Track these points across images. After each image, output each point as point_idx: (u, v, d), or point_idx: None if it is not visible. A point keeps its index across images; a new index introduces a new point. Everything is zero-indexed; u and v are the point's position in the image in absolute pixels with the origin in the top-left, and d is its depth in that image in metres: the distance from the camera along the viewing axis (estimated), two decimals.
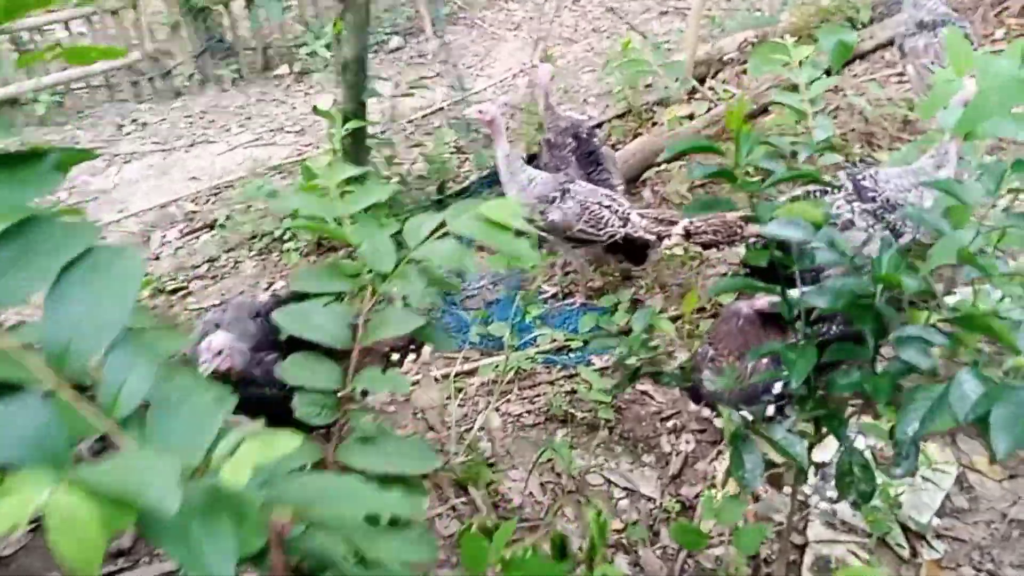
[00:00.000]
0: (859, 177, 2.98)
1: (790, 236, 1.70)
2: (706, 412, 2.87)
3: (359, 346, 1.81)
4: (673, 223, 3.30)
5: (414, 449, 1.78)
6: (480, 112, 3.52)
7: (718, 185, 4.10)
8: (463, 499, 2.74)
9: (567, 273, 3.81)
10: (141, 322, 1.69)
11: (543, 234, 3.51)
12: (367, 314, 1.83)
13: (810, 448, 1.96)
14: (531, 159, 4.69)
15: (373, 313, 1.84)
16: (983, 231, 1.88)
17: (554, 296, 3.67)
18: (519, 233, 1.81)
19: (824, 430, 1.96)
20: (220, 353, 2.56)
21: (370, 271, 1.87)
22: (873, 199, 2.92)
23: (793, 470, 2.00)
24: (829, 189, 2.93)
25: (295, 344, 1.91)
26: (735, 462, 1.89)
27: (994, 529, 2.38)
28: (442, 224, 1.88)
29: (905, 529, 2.38)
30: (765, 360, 2.65)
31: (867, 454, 2.47)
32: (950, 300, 3.13)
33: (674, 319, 3.40)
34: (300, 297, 2.74)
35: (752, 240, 2.77)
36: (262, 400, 2.57)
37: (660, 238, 3.32)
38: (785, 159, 3.15)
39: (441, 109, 5.94)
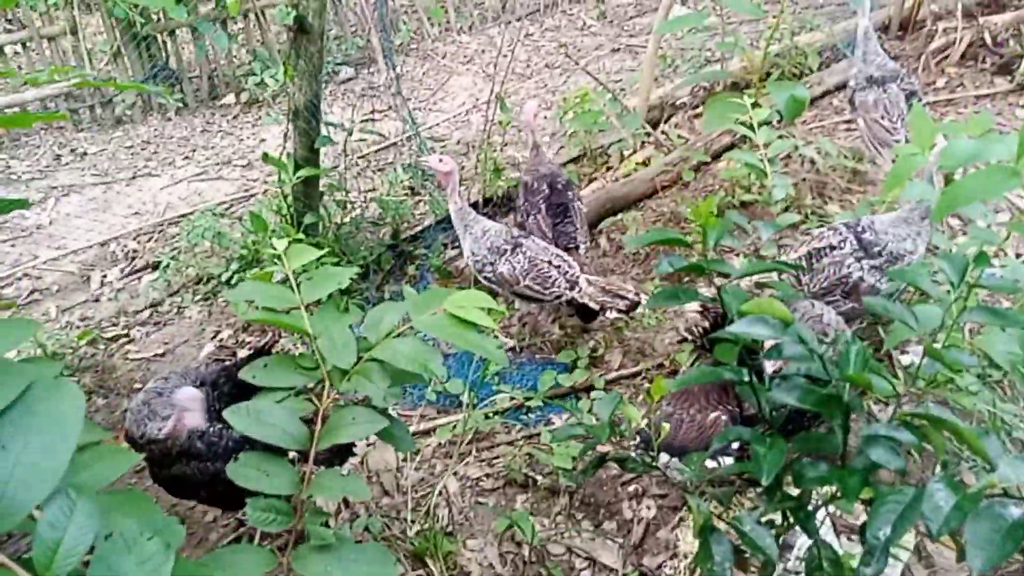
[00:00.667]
0: (859, 230, 3.00)
1: (758, 335, 1.68)
2: (664, 459, 2.83)
3: (316, 447, 1.73)
4: (620, 296, 3.28)
5: (373, 556, 1.70)
6: (440, 161, 3.48)
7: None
8: (420, 572, 2.65)
9: (524, 324, 3.76)
10: (86, 436, 1.58)
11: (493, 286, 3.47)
12: (325, 412, 1.75)
13: (778, 537, 1.94)
14: (487, 202, 4.67)
15: (332, 411, 1.76)
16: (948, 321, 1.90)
17: (512, 349, 3.62)
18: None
19: (792, 519, 1.95)
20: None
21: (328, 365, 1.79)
22: (879, 253, 2.95)
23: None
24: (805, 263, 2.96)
25: None
26: (703, 554, 1.85)
27: None
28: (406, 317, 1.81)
29: None
30: (725, 417, 2.65)
31: (827, 522, 2.47)
32: (905, 360, 3.19)
33: (634, 375, 3.39)
34: (249, 362, 2.61)
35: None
36: (204, 475, 2.45)
37: (603, 309, 3.31)
38: (749, 234, 3.18)
39: (394, 144, 5.86)
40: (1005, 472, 1.41)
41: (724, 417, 2.57)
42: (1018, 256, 3.53)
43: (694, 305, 3.40)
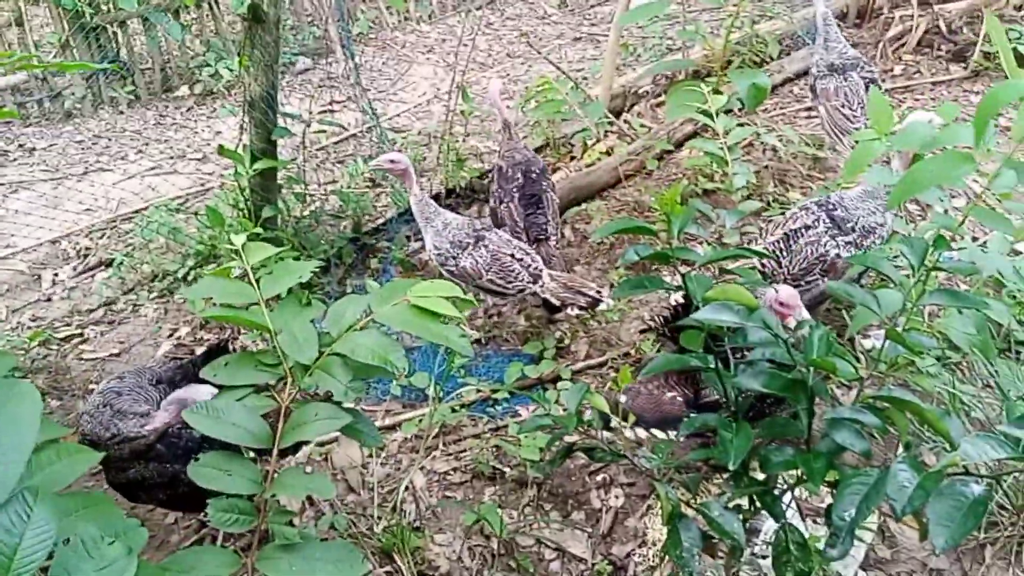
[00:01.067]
0: (830, 207, 3.03)
1: (723, 321, 1.68)
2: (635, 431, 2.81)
3: (279, 445, 1.69)
4: (582, 293, 3.27)
5: (339, 553, 1.67)
6: (392, 162, 3.41)
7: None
8: (387, 568, 2.62)
9: (490, 316, 3.74)
10: (43, 434, 1.52)
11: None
12: (288, 409, 1.71)
13: (745, 522, 1.95)
14: (449, 193, 4.63)
15: (295, 408, 1.72)
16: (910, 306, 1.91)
17: (478, 342, 3.59)
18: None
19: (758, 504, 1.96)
20: None
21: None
22: (852, 228, 2.99)
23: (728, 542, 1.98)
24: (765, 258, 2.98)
25: None
26: (672, 541, 1.85)
27: None
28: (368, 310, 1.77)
29: None
30: (680, 398, 2.66)
31: (793, 506, 2.49)
32: (867, 343, 3.22)
33: (601, 365, 3.39)
34: (207, 358, 2.55)
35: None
36: (164, 477, 2.39)
37: (564, 305, 3.29)
38: (712, 221, 3.18)
39: (354, 136, 5.78)
40: (967, 450, 1.42)
41: (679, 398, 2.59)
42: (975, 240, 3.60)
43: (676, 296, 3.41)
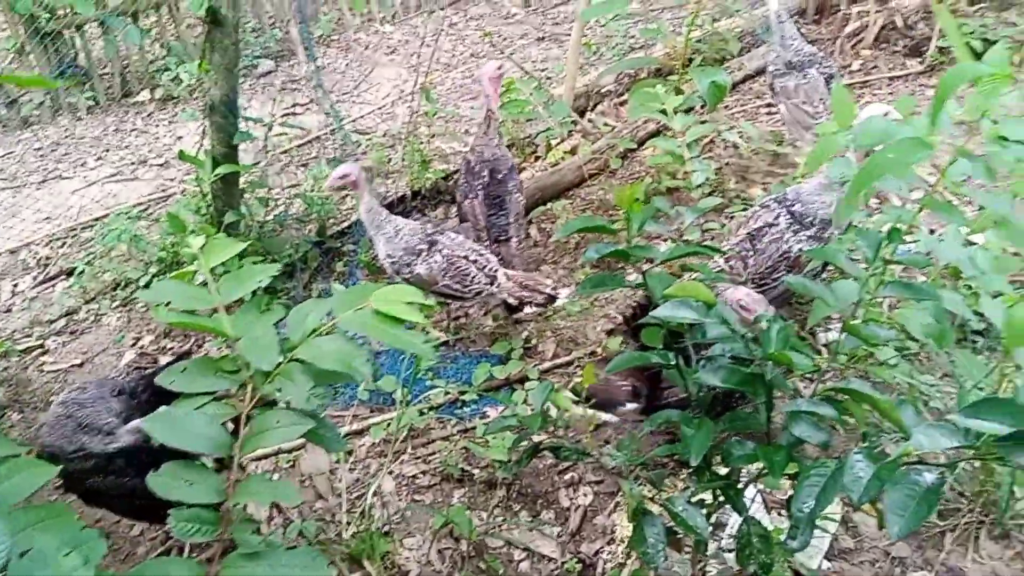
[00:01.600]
0: (789, 203, 3.05)
1: (682, 318, 1.70)
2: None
3: (240, 453, 1.67)
4: (537, 291, 3.28)
5: (304, 560, 1.65)
6: (343, 176, 3.31)
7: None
8: (357, 574, 2.60)
9: (456, 318, 3.73)
10: (3, 450, 1.49)
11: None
12: (249, 416, 1.69)
13: (710, 516, 1.97)
14: (415, 195, 4.62)
15: (255, 415, 1.70)
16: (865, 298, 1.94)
17: (445, 343, 3.58)
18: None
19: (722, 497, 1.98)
20: None
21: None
22: (812, 223, 3.01)
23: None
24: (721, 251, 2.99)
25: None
26: (637, 537, 1.87)
27: (879, 568, 2.48)
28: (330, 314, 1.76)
29: (797, 575, 2.44)
30: (628, 388, 2.69)
31: (757, 498, 2.52)
32: (830, 336, 3.27)
33: (568, 364, 3.40)
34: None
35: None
36: (123, 490, 2.35)
37: (522, 304, 3.30)
38: (671, 219, 3.21)
39: (318, 139, 5.74)
40: (919, 440, 1.45)
41: (629, 388, 2.62)
42: (932, 232, 3.67)
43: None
